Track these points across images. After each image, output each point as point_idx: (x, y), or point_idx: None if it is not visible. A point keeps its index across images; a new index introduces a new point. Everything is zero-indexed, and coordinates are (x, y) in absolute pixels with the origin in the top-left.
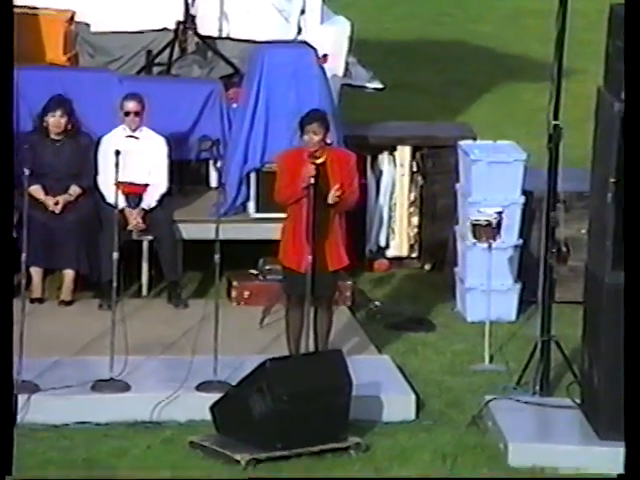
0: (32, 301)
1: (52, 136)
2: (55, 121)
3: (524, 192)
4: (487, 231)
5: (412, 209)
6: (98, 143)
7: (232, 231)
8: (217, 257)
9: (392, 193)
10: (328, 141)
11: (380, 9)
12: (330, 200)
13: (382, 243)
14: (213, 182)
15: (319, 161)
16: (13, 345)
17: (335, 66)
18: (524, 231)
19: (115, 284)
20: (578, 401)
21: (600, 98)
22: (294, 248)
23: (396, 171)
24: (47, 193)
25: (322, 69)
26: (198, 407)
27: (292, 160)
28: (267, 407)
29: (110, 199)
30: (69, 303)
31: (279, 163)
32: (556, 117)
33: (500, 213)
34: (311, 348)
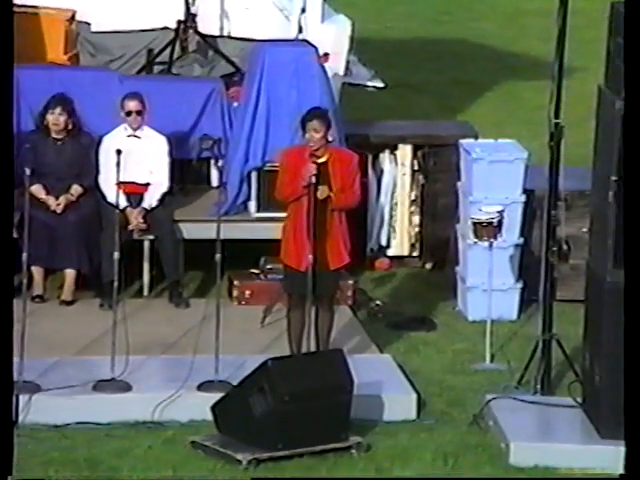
0: (33, 298)
1: (53, 135)
2: (54, 118)
3: (525, 191)
4: (488, 230)
5: (413, 208)
6: (99, 142)
7: (233, 230)
8: (218, 256)
9: (393, 192)
10: (330, 139)
11: (381, 8)
12: (319, 196)
13: (383, 242)
14: (214, 181)
15: (321, 160)
16: (13, 345)
17: (336, 65)
18: (525, 230)
19: (116, 284)
20: (579, 400)
21: (601, 96)
22: (294, 247)
23: (397, 170)
24: (48, 193)
25: (323, 68)
26: (199, 407)
27: (293, 158)
28: (268, 407)
29: (111, 199)
30: (70, 303)
31: (280, 161)
32: (557, 115)
33: (501, 212)
34: (312, 348)
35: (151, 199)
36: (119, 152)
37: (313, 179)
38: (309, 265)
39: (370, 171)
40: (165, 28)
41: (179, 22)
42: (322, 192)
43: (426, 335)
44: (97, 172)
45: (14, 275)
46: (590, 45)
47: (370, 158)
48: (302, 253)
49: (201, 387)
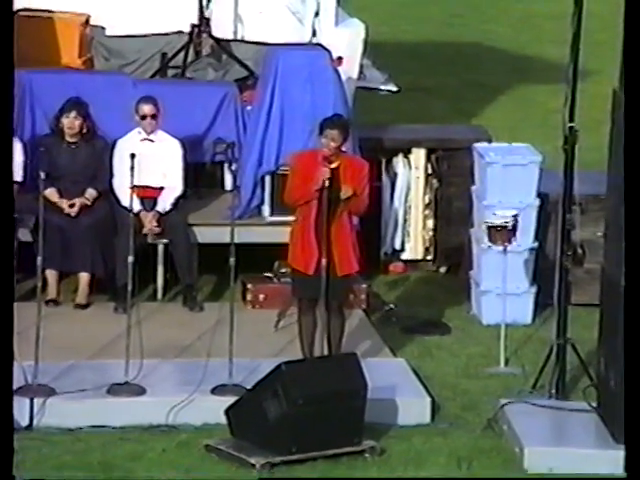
0: (47, 302)
1: (67, 139)
2: (69, 122)
3: (539, 195)
4: (502, 234)
5: (427, 212)
6: (113, 146)
7: (247, 234)
8: (232, 260)
9: (407, 196)
10: (343, 149)
11: (395, 11)
12: (342, 195)
13: (397, 246)
14: (228, 185)
15: (333, 165)
16: (25, 350)
17: (350, 69)
18: (539, 234)
19: (130, 287)
20: (594, 404)
21: (616, 99)
22: (302, 250)
23: (411, 174)
24: (62, 196)
25: (337, 72)
26: (213, 410)
27: (305, 162)
28: (282, 410)
29: (125, 202)
30: (84, 306)
31: (292, 164)
32: (572, 119)
33: (515, 216)
34: (325, 352)
35: (165, 203)
36: (133, 156)
37: (327, 183)
38: (319, 269)
39: (384, 175)
40: (179, 32)
41: (193, 26)
42: (345, 192)
43: (440, 339)
44: (111, 176)
45: (13, 276)
46: (604, 48)
47: (384, 162)
48: (310, 257)
49: (215, 391)
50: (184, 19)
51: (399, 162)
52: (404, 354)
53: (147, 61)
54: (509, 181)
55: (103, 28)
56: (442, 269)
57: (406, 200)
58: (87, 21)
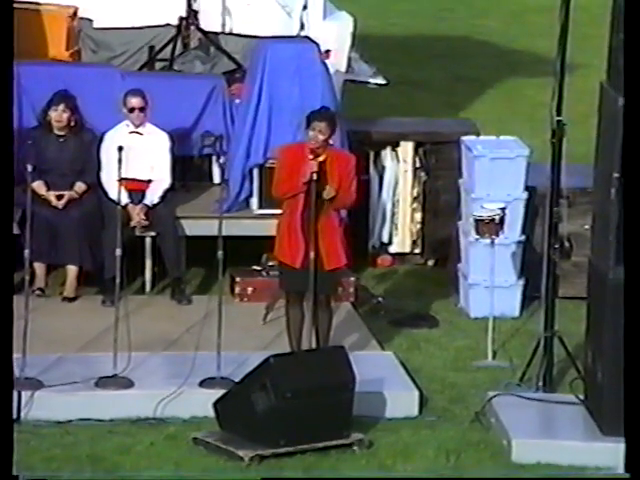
0: (34, 291)
1: (56, 132)
2: (57, 115)
3: (527, 188)
4: (490, 227)
5: (415, 205)
6: (101, 139)
7: (235, 227)
8: (220, 253)
9: (395, 189)
10: (330, 142)
11: (383, 4)
12: (325, 196)
13: (385, 239)
14: (216, 178)
15: (320, 159)
16: (15, 342)
17: (338, 62)
18: (527, 227)
19: (118, 280)
20: (581, 397)
21: (603, 93)
22: (289, 243)
23: (399, 167)
24: (50, 189)
25: (325, 65)
26: (201, 403)
27: (292, 155)
28: (270, 403)
29: (113, 195)
30: (72, 299)
31: (279, 157)
32: (559, 112)
33: (503, 209)
34: (313, 345)
35: (153, 196)
36: (121, 149)
37: (314, 176)
38: (306, 262)
39: (372, 168)
40: (167, 25)
41: (181, 19)
42: (329, 192)
43: (428, 332)
44: (99, 169)
45: (14, 271)
46: (592, 42)
47: (372, 155)
48: (297, 250)
49: (203, 384)
50: (172, 12)
51: (387, 155)
52: (392, 347)
53: (135, 54)
54: (497, 174)
55: (91, 20)
56: (430, 262)
57: (394, 193)
58: (75, 13)
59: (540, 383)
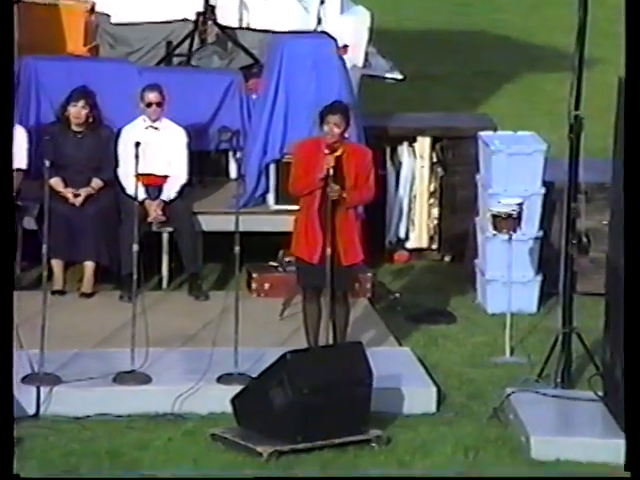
0: (53, 293)
1: (73, 128)
2: (76, 111)
3: (545, 183)
4: (507, 222)
5: (432, 200)
6: (118, 134)
7: (252, 223)
8: (237, 249)
9: (412, 184)
10: (346, 135)
11: None
12: (331, 196)
13: (402, 235)
14: (233, 173)
15: (337, 153)
16: (31, 338)
17: (355, 57)
18: (545, 222)
19: (135, 276)
20: (600, 393)
21: (621, 88)
22: (306, 239)
23: (416, 162)
24: (67, 185)
25: (342, 60)
26: (219, 399)
27: (308, 150)
28: (288, 399)
29: (130, 191)
30: (90, 295)
31: (295, 153)
32: (577, 107)
33: (520, 204)
34: (330, 340)
35: (170, 191)
36: (138, 144)
37: (331, 171)
38: (323, 258)
39: (389, 164)
40: (184, 20)
41: (198, 14)
42: (334, 193)
43: (446, 328)
44: (116, 164)
45: (13, 267)
46: (611, 36)
47: (389, 150)
48: (314, 246)
49: (220, 379)
50: (189, 7)
51: (404, 151)
52: (409, 343)
53: (152, 49)
54: (514, 169)
55: (108, 16)
56: (447, 258)
57: (411, 189)
58: (92, 9)
59: (558, 379)
